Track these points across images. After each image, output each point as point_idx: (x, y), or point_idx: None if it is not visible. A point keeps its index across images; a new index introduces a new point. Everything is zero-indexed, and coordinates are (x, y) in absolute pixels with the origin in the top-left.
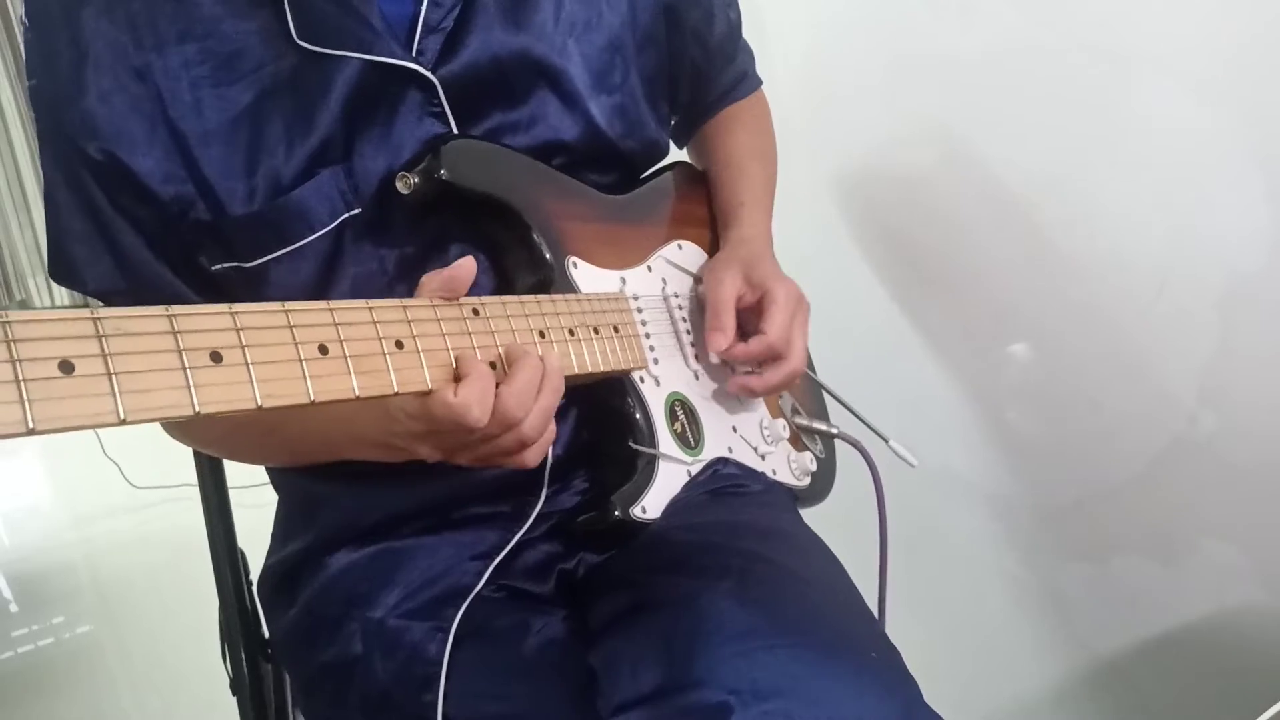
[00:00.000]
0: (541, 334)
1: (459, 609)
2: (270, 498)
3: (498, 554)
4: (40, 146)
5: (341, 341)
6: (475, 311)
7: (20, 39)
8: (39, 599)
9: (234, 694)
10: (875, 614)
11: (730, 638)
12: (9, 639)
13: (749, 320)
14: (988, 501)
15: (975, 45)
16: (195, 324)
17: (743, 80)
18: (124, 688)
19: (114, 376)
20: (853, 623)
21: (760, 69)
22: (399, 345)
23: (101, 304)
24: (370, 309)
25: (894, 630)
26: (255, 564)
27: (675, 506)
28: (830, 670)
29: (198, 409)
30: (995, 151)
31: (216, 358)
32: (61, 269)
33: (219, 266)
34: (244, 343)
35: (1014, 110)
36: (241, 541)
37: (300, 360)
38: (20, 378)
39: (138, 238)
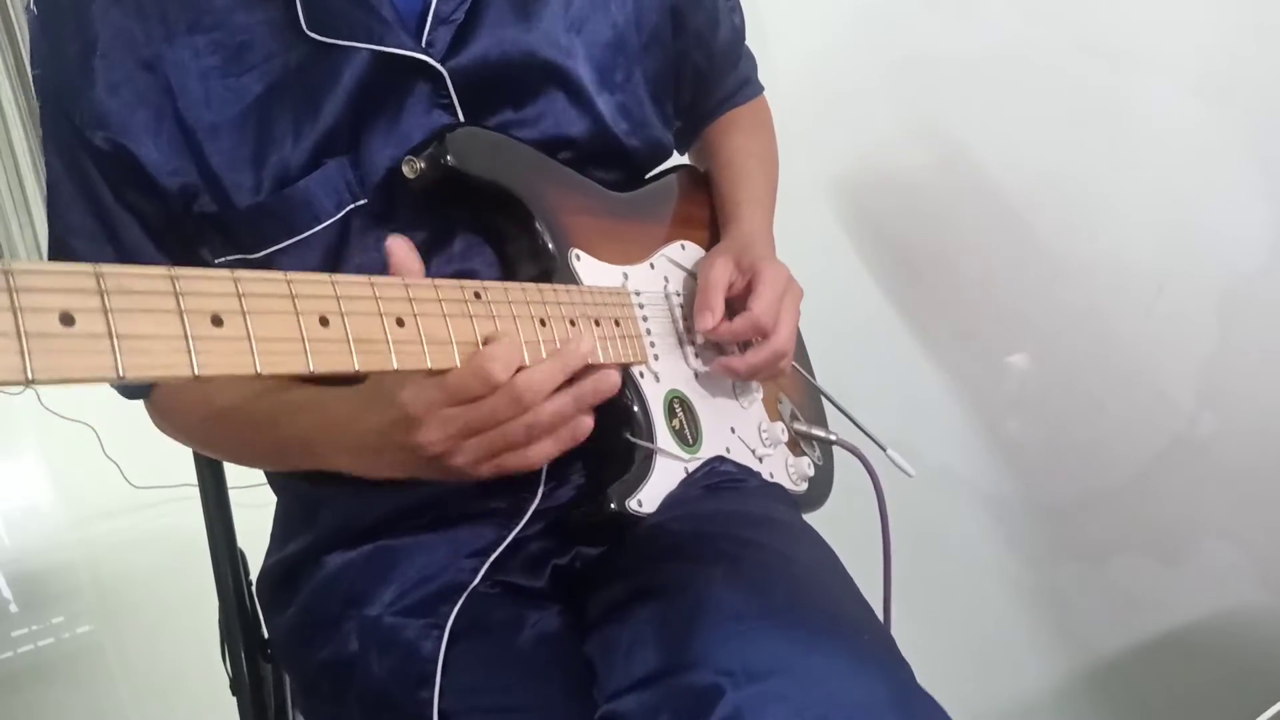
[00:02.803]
0: (542, 321)
1: (454, 605)
2: (270, 498)
3: (493, 550)
4: (44, 138)
5: (343, 314)
6: (477, 295)
7: (25, 31)
8: (39, 599)
9: (234, 694)
10: (878, 613)
11: (722, 620)
12: (9, 639)
13: (740, 307)
14: (988, 502)
15: (975, 47)
16: (198, 286)
17: (745, 85)
18: (124, 688)
19: (115, 334)
20: (845, 606)
21: (760, 71)
22: (400, 323)
23: None
24: (372, 284)
25: (895, 630)
26: (255, 564)
27: (671, 501)
28: (823, 651)
29: (197, 372)
30: (995, 153)
31: (217, 321)
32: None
33: (222, 259)
34: (245, 309)
35: (1014, 112)
36: (241, 541)
37: (301, 329)
38: (21, 326)
39: (141, 231)
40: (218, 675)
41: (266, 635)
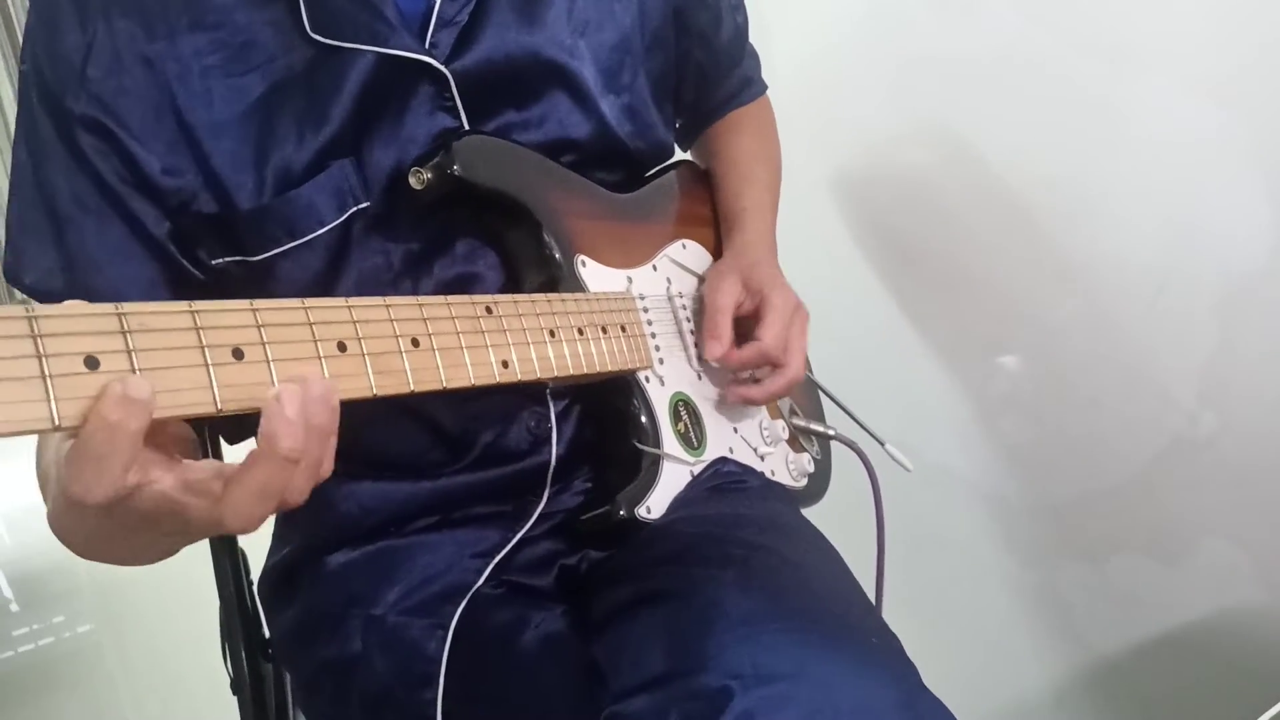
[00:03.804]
0: (551, 333)
1: (458, 606)
2: None
3: (499, 552)
4: (16, 135)
5: (360, 339)
6: (488, 310)
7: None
8: (39, 599)
9: (234, 694)
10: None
11: (732, 624)
12: (9, 639)
13: (747, 327)
14: (987, 502)
15: (977, 46)
16: (218, 320)
17: (748, 85)
18: (124, 688)
19: (138, 373)
20: (853, 610)
21: (763, 69)
22: (415, 343)
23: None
24: (387, 306)
25: (891, 627)
26: (256, 564)
27: (676, 503)
28: (832, 655)
29: (220, 406)
30: (996, 152)
31: (238, 354)
32: (16, 263)
33: (220, 260)
34: (265, 339)
35: (1015, 111)
36: (242, 541)
37: (320, 358)
38: (46, 373)
39: (96, 235)
40: (218, 675)
41: (267, 635)
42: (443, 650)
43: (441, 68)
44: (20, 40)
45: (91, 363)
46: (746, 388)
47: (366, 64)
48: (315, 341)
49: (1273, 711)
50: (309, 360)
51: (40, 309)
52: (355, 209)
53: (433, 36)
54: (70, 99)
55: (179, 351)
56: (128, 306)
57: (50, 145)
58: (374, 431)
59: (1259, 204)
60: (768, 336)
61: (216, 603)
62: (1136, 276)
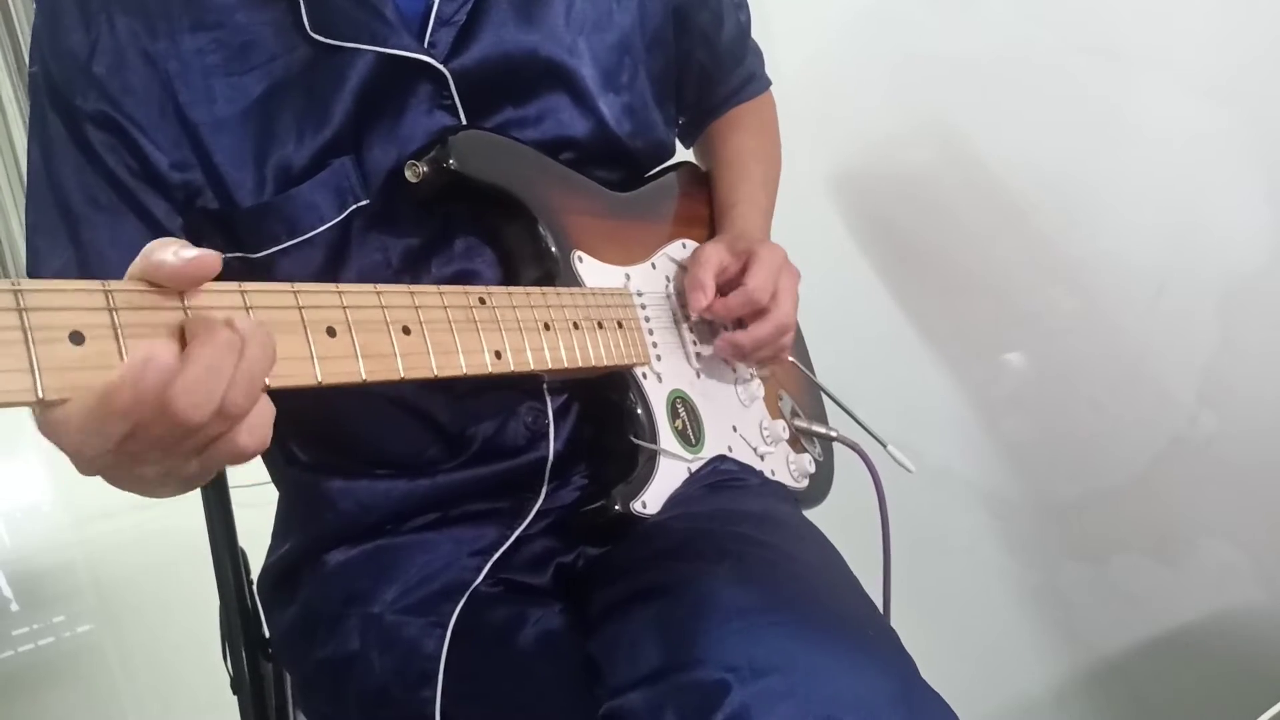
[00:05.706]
0: (546, 325)
1: (457, 604)
2: (271, 497)
3: (497, 550)
4: (29, 137)
5: (350, 325)
6: (482, 300)
7: (26, 30)
8: (39, 599)
9: (234, 693)
10: (879, 612)
11: (727, 617)
12: (9, 639)
13: (735, 287)
14: (988, 502)
15: (977, 46)
16: (206, 300)
17: (750, 82)
18: (124, 688)
19: (125, 349)
20: (849, 603)
21: (765, 68)
22: (406, 331)
23: None
24: (378, 293)
25: (895, 628)
26: (256, 563)
27: (674, 501)
28: (828, 647)
29: None
30: (996, 152)
31: None
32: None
33: (223, 257)
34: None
35: (1015, 111)
36: (242, 541)
37: (308, 341)
38: (31, 345)
39: (108, 231)
40: (218, 675)
41: (267, 634)
42: (441, 648)
43: (440, 67)
44: (19, 41)
45: (76, 338)
46: (732, 334)
47: (366, 63)
48: (304, 324)
49: (1272, 711)
50: (298, 344)
51: (27, 283)
52: (355, 207)
53: (431, 35)
54: (78, 97)
55: (166, 330)
56: (115, 284)
57: (61, 144)
58: (372, 429)
59: (1259, 204)
60: (753, 282)
61: (216, 602)
62: (1136, 276)
